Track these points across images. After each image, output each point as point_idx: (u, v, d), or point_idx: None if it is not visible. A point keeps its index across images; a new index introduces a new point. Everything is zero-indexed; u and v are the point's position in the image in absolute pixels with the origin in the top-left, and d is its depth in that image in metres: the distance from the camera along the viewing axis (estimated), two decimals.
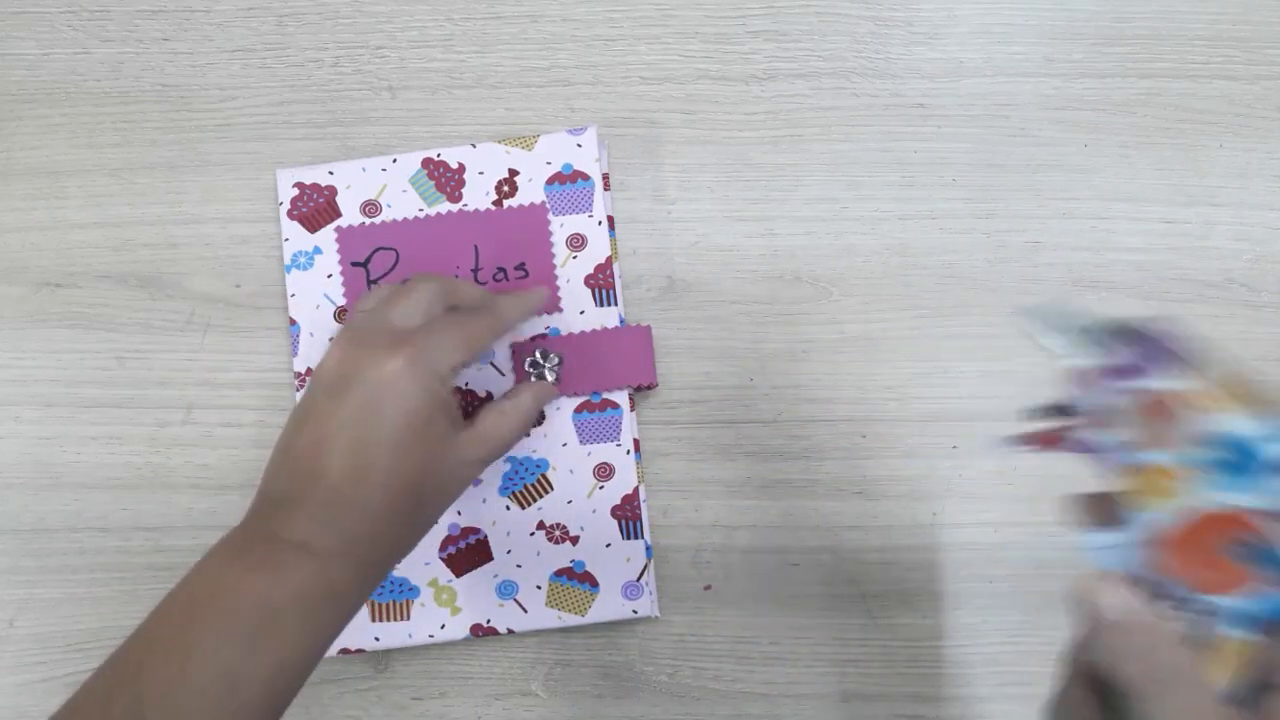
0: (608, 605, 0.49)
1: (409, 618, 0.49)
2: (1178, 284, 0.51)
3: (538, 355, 0.49)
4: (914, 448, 0.50)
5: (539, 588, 0.49)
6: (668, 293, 0.51)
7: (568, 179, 0.50)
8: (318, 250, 0.51)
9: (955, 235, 0.51)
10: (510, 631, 0.49)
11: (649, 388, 0.50)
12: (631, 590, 0.49)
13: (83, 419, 0.51)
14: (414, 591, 0.49)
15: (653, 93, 0.53)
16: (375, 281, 0.50)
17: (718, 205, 0.52)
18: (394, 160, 0.51)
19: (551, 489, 0.49)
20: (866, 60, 0.53)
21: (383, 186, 0.51)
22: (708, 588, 0.50)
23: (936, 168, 0.52)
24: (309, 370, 0.50)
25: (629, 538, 0.49)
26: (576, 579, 0.49)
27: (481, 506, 0.49)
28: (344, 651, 0.49)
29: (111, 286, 0.52)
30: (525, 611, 0.49)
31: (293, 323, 0.50)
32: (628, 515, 0.49)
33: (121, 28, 0.54)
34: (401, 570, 0.49)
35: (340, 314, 0.50)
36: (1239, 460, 0.29)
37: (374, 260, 0.50)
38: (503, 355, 0.50)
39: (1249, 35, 0.52)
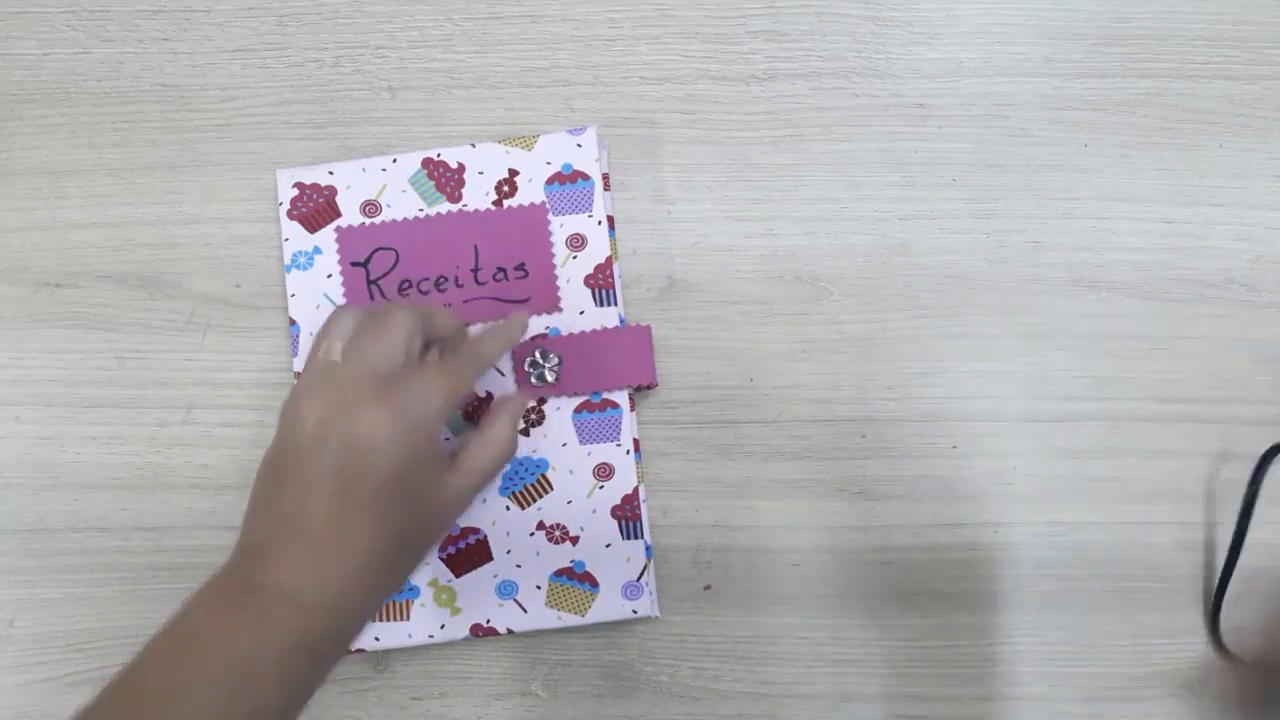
0: (608, 605, 0.49)
1: (409, 618, 0.49)
2: (1178, 284, 0.51)
3: (537, 355, 0.49)
4: (914, 448, 0.50)
5: (539, 588, 0.49)
6: (668, 293, 0.51)
7: (568, 179, 0.50)
8: (318, 250, 0.51)
9: (955, 235, 0.51)
10: (510, 631, 0.49)
11: (649, 388, 0.50)
12: (631, 590, 0.49)
13: (83, 419, 0.51)
14: (414, 591, 0.49)
15: (653, 93, 0.53)
16: (375, 282, 0.50)
17: (718, 205, 0.52)
18: (394, 160, 0.51)
19: (551, 489, 0.49)
20: (866, 60, 0.53)
21: (383, 186, 0.51)
22: (708, 588, 0.50)
23: (936, 168, 0.52)
24: None
25: (629, 538, 0.49)
26: (576, 579, 0.49)
27: (481, 506, 0.49)
28: None
29: (111, 286, 0.52)
30: (525, 611, 0.49)
31: (293, 323, 0.50)
32: (628, 515, 0.49)
33: (121, 28, 0.54)
34: None
35: None
36: None
37: (374, 260, 0.50)
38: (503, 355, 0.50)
39: (1249, 35, 0.52)
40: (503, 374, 0.50)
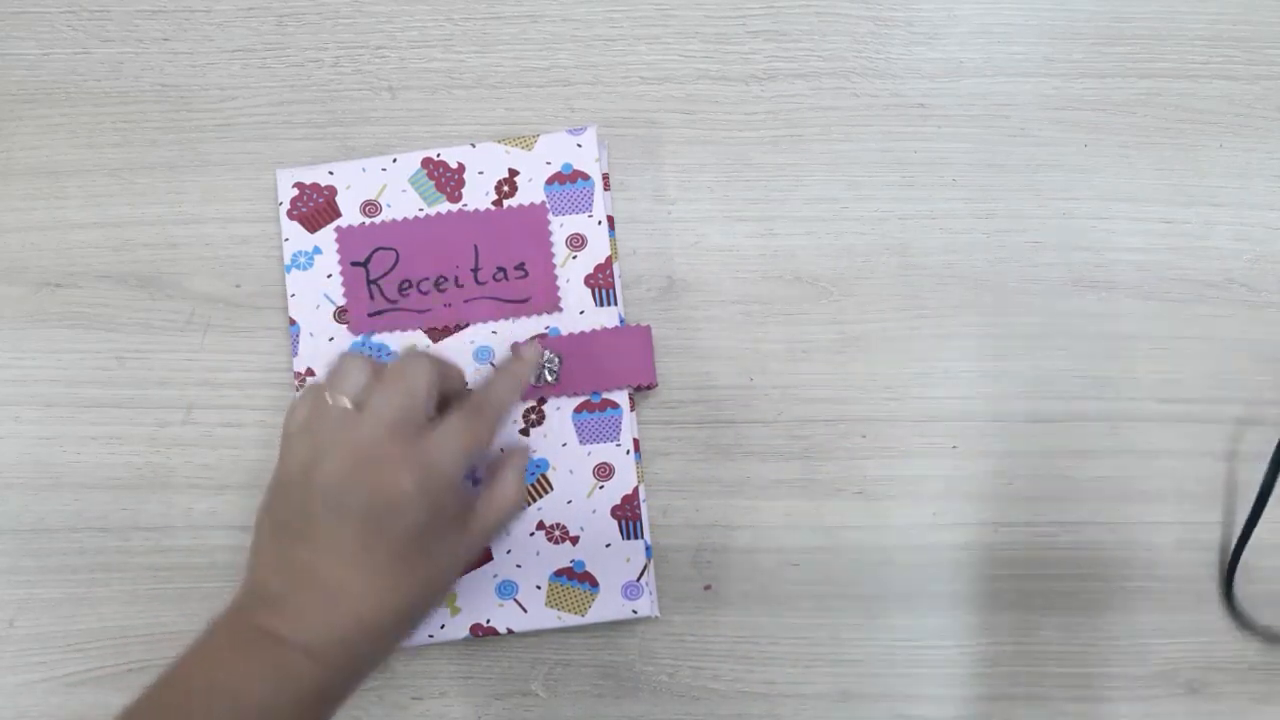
0: (608, 605, 0.49)
1: None
2: (1178, 284, 0.51)
3: None
4: (914, 448, 0.50)
5: (539, 587, 0.49)
6: (668, 293, 0.51)
7: (568, 179, 0.50)
8: (318, 250, 0.51)
9: (955, 235, 0.51)
10: (510, 631, 0.49)
11: (649, 388, 0.50)
12: (631, 590, 0.49)
13: (83, 419, 0.51)
14: None
15: (653, 93, 0.53)
16: (375, 282, 0.50)
17: (718, 205, 0.52)
18: (394, 160, 0.51)
19: (551, 489, 0.49)
20: (866, 60, 0.53)
21: (383, 186, 0.51)
22: (708, 588, 0.50)
23: (936, 168, 0.52)
24: (309, 370, 0.50)
25: (629, 538, 0.49)
26: (576, 579, 0.49)
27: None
28: None
29: (111, 286, 0.52)
30: (525, 611, 0.49)
31: (293, 323, 0.50)
32: (628, 515, 0.49)
33: (121, 28, 0.54)
34: None
35: (340, 314, 0.50)
36: None
37: (374, 260, 0.50)
38: (503, 356, 0.50)
39: (1249, 35, 0.52)
40: None
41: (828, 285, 0.51)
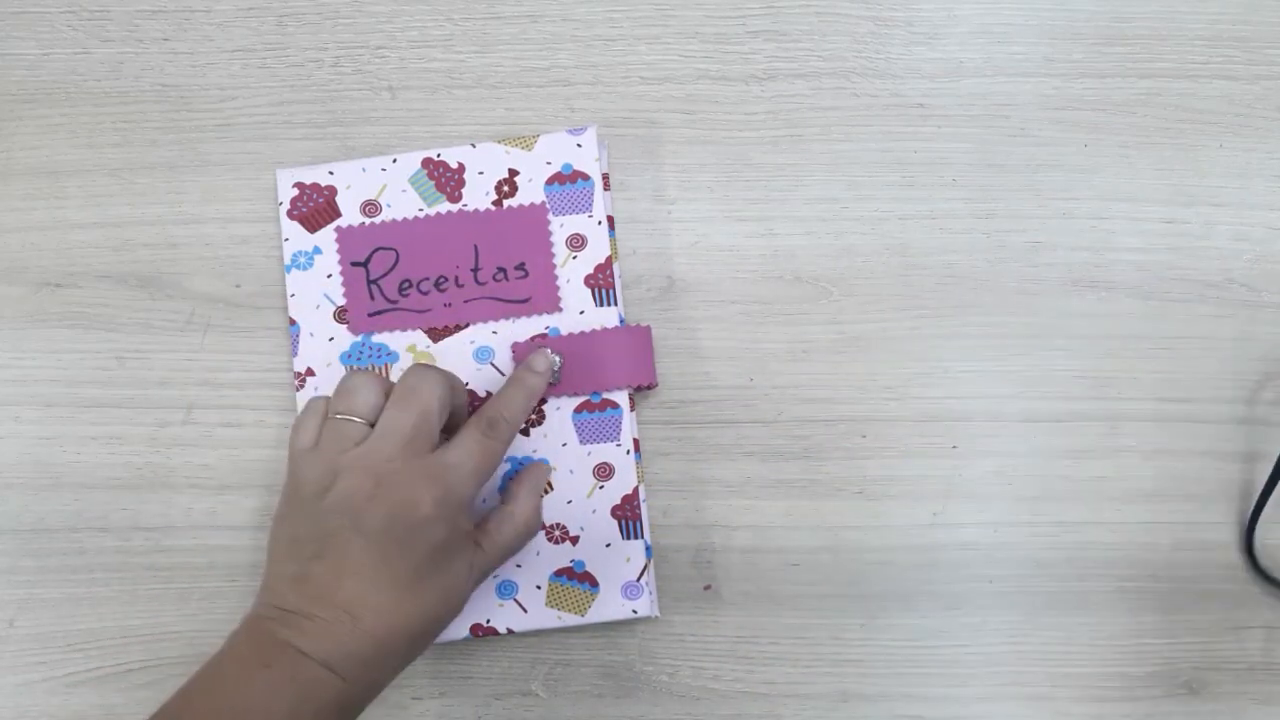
0: (608, 605, 0.49)
1: None
2: (1178, 284, 0.51)
3: None
4: (914, 448, 0.50)
5: (539, 587, 0.49)
6: (668, 293, 0.51)
7: (568, 179, 0.50)
8: (318, 250, 0.51)
9: (955, 235, 0.51)
10: (510, 631, 0.49)
11: (649, 388, 0.50)
12: (631, 590, 0.49)
13: (83, 419, 0.51)
14: None
15: (653, 93, 0.53)
16: (375, 282, 0.50)
17: (718, 205, 0.52)
18: (394, 160, 0.51)
19: (551, 489, 0.49)
20: (866, 60, 0.53)
21: (383, 186, 0.51)
22: (708, 588, 0.50)
23: (936, 168, 0.52)
24: (309, 370, 0.50)
25: (629, 538, 0.49)
26: (576, 579, 0.49)
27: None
28: None
29: (111, 286, 0.52)
30: (525, 611, 0.49)
31: (293, 323, 0.50)
32: (628, 515, 0.49)
33: (121, 28, 0.54)
34: None
35: (340, 314, 0.50)
36: None
37: (374, 260, 0.50)
38: (504, 356, 0.50)
39: (1249, 35, 0.52)
40: (503, 374, 0.50)
41: (828, 285, 0.51)
